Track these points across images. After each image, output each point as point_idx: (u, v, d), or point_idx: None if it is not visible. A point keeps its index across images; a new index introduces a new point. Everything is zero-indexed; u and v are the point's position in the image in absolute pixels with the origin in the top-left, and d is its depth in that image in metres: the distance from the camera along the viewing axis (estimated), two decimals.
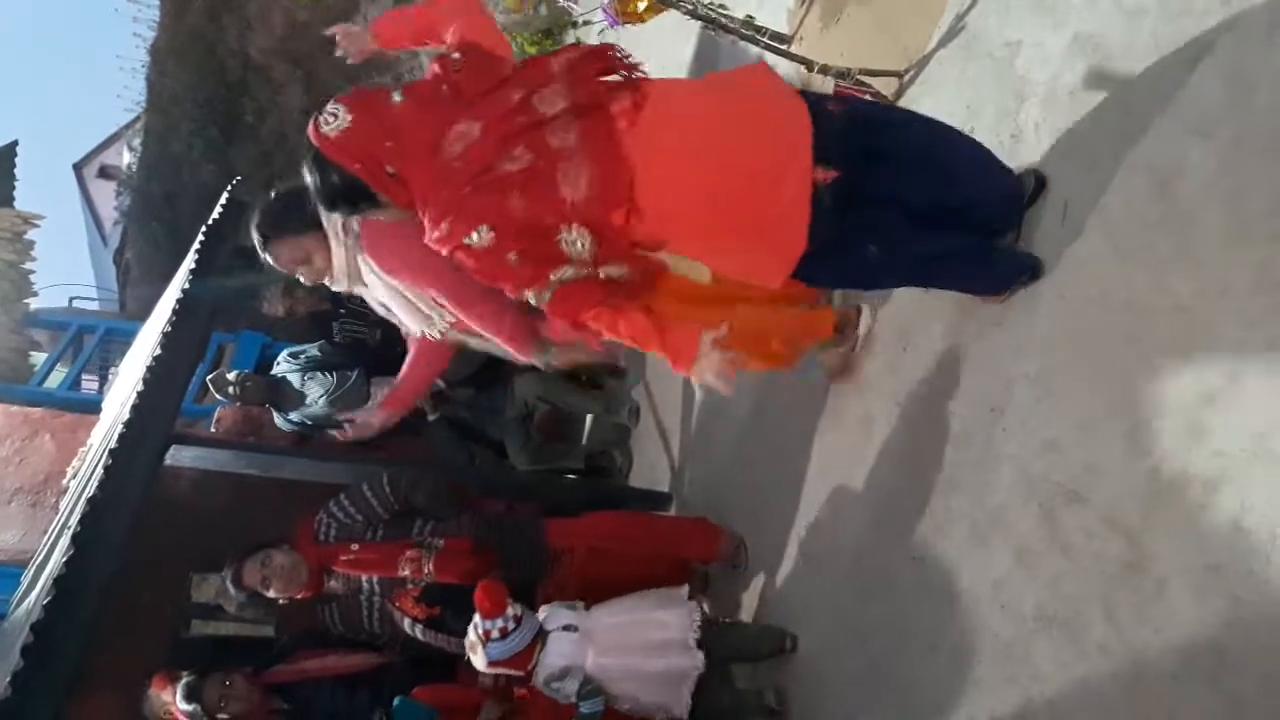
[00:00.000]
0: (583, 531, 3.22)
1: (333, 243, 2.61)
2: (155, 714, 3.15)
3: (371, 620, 3.21)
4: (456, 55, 2.00)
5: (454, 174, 1.89)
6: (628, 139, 1.88)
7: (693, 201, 1.91)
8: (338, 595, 3.20)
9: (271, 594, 3.07)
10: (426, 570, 3.03)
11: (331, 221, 2.55)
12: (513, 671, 2.73)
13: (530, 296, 1.97)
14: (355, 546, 3.10)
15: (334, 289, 2.79)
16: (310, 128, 1.94)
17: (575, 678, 2.75)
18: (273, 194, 2.68)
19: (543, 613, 2.87)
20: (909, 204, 2.04)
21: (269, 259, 2.69)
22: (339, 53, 2.42)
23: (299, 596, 3.12)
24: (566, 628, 2.82)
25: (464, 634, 2.86)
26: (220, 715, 2.99)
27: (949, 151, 2.12)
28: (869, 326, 2.81)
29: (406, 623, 3.16)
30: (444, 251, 1.95)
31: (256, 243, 2.66)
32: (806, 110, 1.94)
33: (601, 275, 1.93)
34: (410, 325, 2.81)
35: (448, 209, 1.90)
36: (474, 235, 1.88)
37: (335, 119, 1.91)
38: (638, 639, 2.86)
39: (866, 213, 2.01)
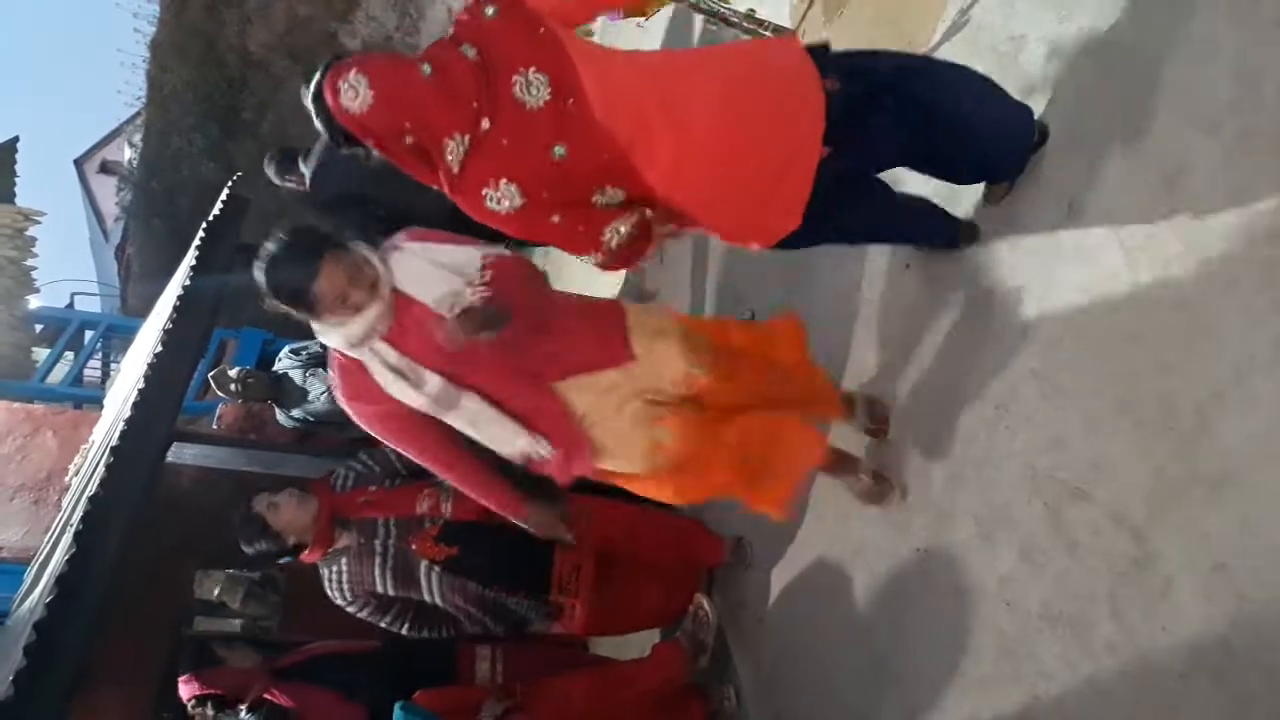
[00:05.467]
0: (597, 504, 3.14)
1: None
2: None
3: (385, 572, 3.04)
4: (491, 9, 1.91)
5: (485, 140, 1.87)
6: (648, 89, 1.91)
7: (703, 162, 1.94)
8: (348, 551, 3.05)
9: (281, 524, 2.91)
10: (444, 508, 2.99)
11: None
12: None
13: (591, 259, 2.04)
14: (372, 488, 3.08)
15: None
16: (328, 91, 1.84)
17: None
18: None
19: None
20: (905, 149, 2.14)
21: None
22: None
23: (307, 557, 2.98)
24: None
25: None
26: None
27: (957, 105, 2.09)
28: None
29: (423, 568, 3.04)
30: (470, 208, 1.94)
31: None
32: (823, 101, 1.94)
33: (647, 214, 1.99)
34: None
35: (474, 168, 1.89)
36: (497, 189, 1.88)
37: (356, 95, 1.82)
38: None
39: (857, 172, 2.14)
